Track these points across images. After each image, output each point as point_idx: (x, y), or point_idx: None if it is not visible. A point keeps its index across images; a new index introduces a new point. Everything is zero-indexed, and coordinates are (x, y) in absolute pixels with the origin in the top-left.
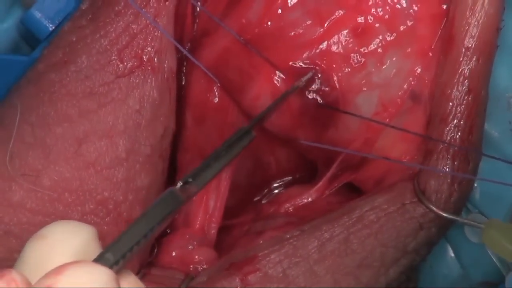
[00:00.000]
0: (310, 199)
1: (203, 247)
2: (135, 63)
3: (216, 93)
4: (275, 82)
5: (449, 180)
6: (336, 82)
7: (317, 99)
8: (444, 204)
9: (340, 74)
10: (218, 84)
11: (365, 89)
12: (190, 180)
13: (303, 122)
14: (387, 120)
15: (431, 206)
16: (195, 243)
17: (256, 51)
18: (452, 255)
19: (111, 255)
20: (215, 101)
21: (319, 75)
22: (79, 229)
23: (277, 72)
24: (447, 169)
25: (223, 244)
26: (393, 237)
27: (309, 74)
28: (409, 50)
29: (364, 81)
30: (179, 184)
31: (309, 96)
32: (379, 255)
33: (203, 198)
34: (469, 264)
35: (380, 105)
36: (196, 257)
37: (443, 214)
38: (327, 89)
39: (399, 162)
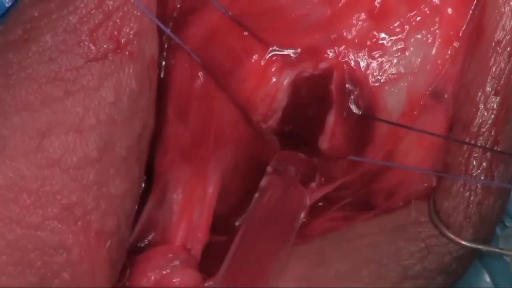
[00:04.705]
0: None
1: (186, 269)
2: (110, 46)
3: (201, 79)
4: (265, 63)
5: (466, 201)
6: (361, 77)
7: (353, 110)
8: (460, 228)
9: (361, 67)
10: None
11: (391, 82)
12: None
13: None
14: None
15: (442, 228)
16: (178, 263)
17: (245, 27)
18: (488, 280)
19: None
20: (200, 88)
21: (344, 73)
22: None
23: (267, 53)
24: (462, 189)
25: (209, 263)
26: (385, 253)
27: None
28: (434, 32)
29: (388, 72)
30: None
31: (345, 108)
32: (367, 273)
33: (186, 208)
34: None
35: (408, 103)
36: (175, 280)
37: (455, 239)
38: (356, 91)
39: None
